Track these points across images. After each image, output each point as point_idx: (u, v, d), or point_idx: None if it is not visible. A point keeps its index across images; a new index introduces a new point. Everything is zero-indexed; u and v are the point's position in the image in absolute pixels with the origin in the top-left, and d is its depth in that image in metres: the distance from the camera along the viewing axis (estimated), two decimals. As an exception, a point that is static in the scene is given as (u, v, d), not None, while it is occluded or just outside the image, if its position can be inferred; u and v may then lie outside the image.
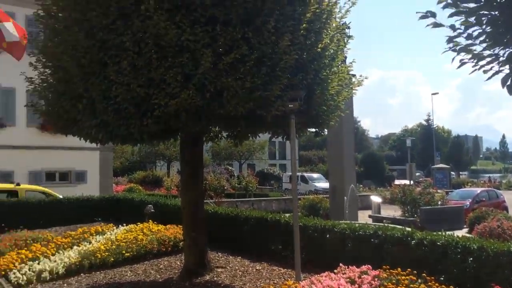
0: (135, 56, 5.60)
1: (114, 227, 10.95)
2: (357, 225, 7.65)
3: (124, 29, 5.60)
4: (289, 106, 6.09)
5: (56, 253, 8.59)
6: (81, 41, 5.77)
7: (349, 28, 7.77)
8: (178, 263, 8.22)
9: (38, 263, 7.82)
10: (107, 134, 6.05)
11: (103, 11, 5.64)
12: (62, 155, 20.28)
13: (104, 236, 9.94)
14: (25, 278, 7.30)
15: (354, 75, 7.92)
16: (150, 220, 11.10)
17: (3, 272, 7.74)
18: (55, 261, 7.96)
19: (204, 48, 5.54)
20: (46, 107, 6.87)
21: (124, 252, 8.47)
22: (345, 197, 14.34)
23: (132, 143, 7.00)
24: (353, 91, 7.70)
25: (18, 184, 14.24)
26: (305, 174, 37.14)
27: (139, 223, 10.97)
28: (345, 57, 7.89)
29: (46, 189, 14.94)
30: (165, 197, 14.18)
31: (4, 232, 11.13)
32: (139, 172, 39.42)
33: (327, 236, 7.66)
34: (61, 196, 14.15)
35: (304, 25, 6.20)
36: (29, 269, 7.58)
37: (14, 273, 7.46)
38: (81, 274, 7.77)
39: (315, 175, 37.69)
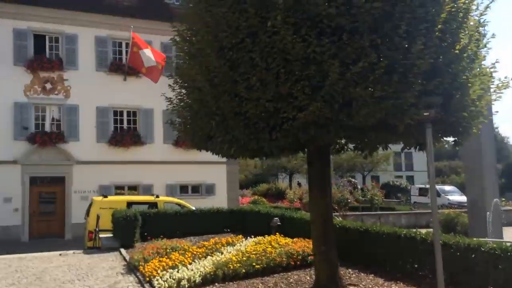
0: (264, 71, 5.72)
1: (243, 239, 11.28)
2: (508, 244, 6.76)
3: (252, 46, 5.76)
4: (424, 114, 5.66)
5: (193, 262, 9.10)
6: (213, 62, 6.09)
7: (484, 26, 7.02)
8: (308, 278, 8.11)
9: (177, 271, 8.35)
10: (238, 149, 6.28)
11: (233, 31, 5.89)
12: (194, 169, 21.70)
13: (234, 247, 10.29)
14: (166, 285, 7.84)
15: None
16: (277, 233, 11.21)
17: (147, 279, 8.42)
18: (192, 270, 8.42)
19: (331, 59, 5.43)
20: (183, 125, 7.39)
21: (254, 264, 8.64)
22: (488, 212, 12.89)
23: (262, 157, 7.16)
24: (498, 94, 6.88)
25: (157, 196, 15.56)
26: (437, 187, 34.53)
27: (266, 236, 11.17)
28: (484, 57, 7.14)
29: (181, 201, 16.07)
30: (290, 210, 14.27)
31: (147, 240, 12.22)
32: (263, 184, 40.58)
33: (472, 256, 6.90)
34: (194, 208, 15.07)
35: (438, 26, 5.74)
36: (170, 277, 8.12)
37: (157, 280, 8.06)
38: (216, 284, 8.09)
39: (447, 188, 34.84)
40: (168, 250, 10.07)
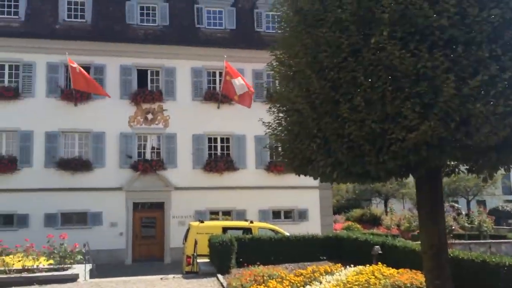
0: (368, 90, 5.41)
1: (342, 268, 10.76)
2: None
3: (355, 65, 5.49)
4: (559, 130, 4.94)
5: (291, 291, 8.82)
6: (314, 83, 5.91)
7: None
8: (419, 314, 7.41)
9: (277, 300, 8.12)
10: (341, 172, 5.95)
11: (334, 50, 5.68)
12: (286, 194, 21.54)
13: (333, 277, 9.83)
14: (266, 314, 7.63)
15: None
16: (379, 263, 10.54)
17: (247, 306, 8.29)
18: (291, 300, 8.14)
19: (445, 73, 4.98)
20: (281, 149, 7.25)
21: (357, 296, 8.14)
22: None
23: (368, 182, 6.73)
24: None
25: (251, 222, 15.57)
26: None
27: (367, 265, 10.54)
28: None
29: (274, 227, 15.91)
30: (390, 237, 13.43)
31: (242, 266, 12.19)
32: (356, 210, 39.15)
33: None
34: (287, 234, 14.81)
35: None
36: (270, 306, 7.91)
37: (257, 308, 7.89)
38: (317, 316, 7.72)
39: None
40: (265, 278, 9.89)
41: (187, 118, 21.16)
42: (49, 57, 20.32)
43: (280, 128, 7.21)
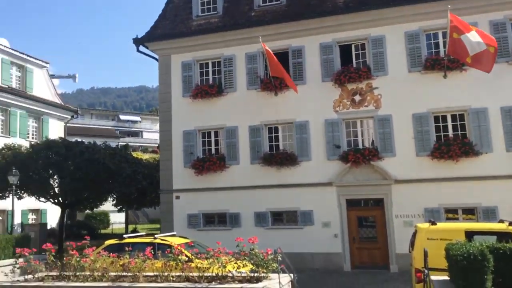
0: None
1: None
2: None
3: None
4: None
5: None
6: None
7: None
8: None
9: None
10: None
11: None
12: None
13: None
14: None
15: None
16: None
17: None
18: None
19: None
20: None
21: None
22: None
23: None
24: None
25: (510, 224, 10.60)
26: None
27: None
28: None
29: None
30: None
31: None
32: None
33: None
34: None
35: None
36: None
37: None
38: None
39: None
40: None
41: (403, 95, 17.10)
42: (247, 48, 19.24)
43: None
